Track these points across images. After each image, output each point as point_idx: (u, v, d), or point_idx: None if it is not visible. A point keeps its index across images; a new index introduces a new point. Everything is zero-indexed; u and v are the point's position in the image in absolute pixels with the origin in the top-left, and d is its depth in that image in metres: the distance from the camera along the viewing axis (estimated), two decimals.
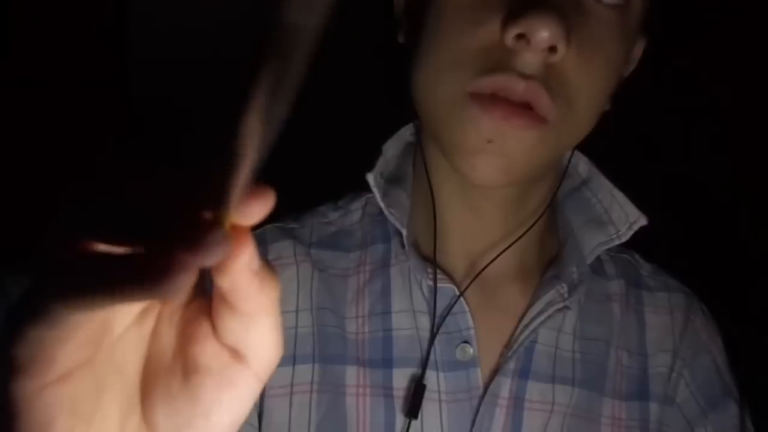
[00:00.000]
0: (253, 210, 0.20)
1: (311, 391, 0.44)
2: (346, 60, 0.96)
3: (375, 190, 0.45)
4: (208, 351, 0.23)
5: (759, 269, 0.78)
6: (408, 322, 0.45)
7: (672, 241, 0.67)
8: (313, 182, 0.62)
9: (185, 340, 0.23)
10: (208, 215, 0.19)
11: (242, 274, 0.20)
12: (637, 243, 0.49)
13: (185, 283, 0.17)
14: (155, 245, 0.17)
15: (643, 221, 0.47)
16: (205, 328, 0.23)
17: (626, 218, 0.47)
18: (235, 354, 0.23)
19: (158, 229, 0.18)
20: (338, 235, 0.50)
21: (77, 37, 0.97)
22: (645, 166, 0.81)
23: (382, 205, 0.45)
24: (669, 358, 0.49)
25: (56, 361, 0.19)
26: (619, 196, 0.49)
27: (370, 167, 0.47)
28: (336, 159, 0.71)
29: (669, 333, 0.50)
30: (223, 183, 0.18)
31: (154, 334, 0.23)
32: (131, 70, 1.04)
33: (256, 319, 0.22)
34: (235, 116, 0.17)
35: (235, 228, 0.20)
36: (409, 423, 0.43)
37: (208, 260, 0.17)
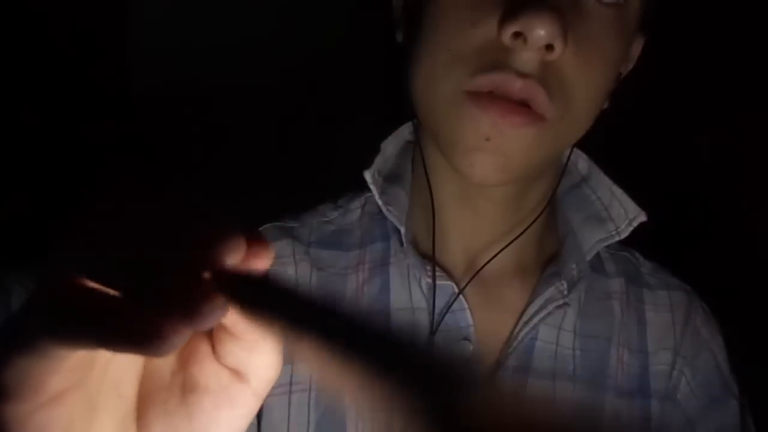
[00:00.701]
0: (254, 266, 0.20)
1: (310, 390, 0.44)
2: (346, 60, 0.96)
3: (372, 187, 0.46)
4: (207, 371, 0.23)
5: (759, 267, 0.78)
6: (407, 319, 0.45)
7: (672, 239, 0.67)
8: (313, 182, 0.62)
9: (184, 359, 0.23)
10: (207, 275, 0.18)
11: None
12: (637, 241, 0.49)
13: (176, 343, 0.17)
14: (152, 299, 0.17)
15: (642, 217, 0.47)
16: (204, 348, 0.23)
17: (626, 215, 0.48)
18: (236, 374, 0.23)
19: (158, 282, 0.18)
20: (337, 234, 0.50)
21: (77, 35, 0.97)
22: (645, 163, 0.81)
23: (380, 202, 0.46)
24: (670, 356, 0.49)
25: (46, 386, 0.19)
26: (619, 192, 0.49)
27: (369, 166, 0.47)
28: (336, 159, 0.71)
29: (670, 331, 0.49)
30: (224, 235, 0.18)
31: None
32: (131, 68, 1.04)
33: (257, 343, 0.22)
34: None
35: None
36: None
37: (203, 327, 0.17)
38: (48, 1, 0.93)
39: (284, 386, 0.44)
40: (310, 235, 0.50)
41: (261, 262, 0.20)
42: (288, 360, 0.44)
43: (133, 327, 0.17)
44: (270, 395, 0.44)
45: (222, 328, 0.22)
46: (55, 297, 0.19)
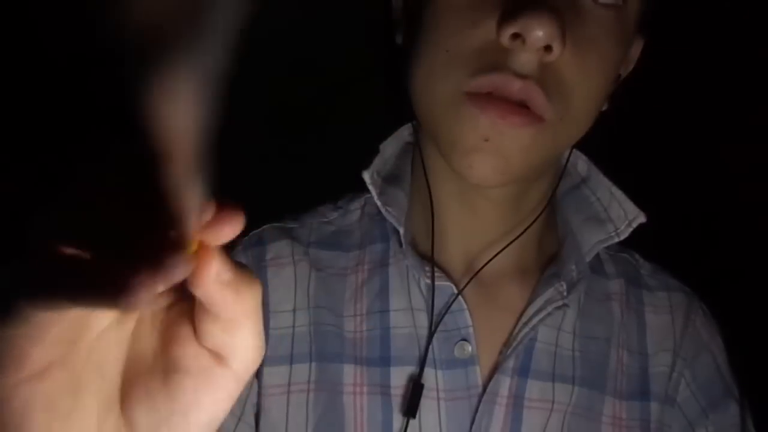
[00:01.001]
0: (221, 230, 0.20)
1: (308, 390, 0.44)
2: (346, 60, 0.96)
3: (371, 187, 0.46)
4: (188, 353, 0.23)
5: (759, 268, 0.78)
6: (406, 320, 0.45)
7: (672, 241, 0.67)
8: (312, 182, 0.62)
9: (167, 341, 0.24)
10: (173, 234, 0.19)
11: (214, 287, 0.21)
12: (637, 242, 0.49)
13: (145, 298, 0.17)
14: (121, 258, 0.18)
15: (641, 219, 0.47)
16: (186, 330, 0.23)
17: (625, 216, 0.48)
18: (216, 356, 0.23)
19: (126, 243, 0.18)
20: (337, 235, 0.50)
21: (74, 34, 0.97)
22: (644, 165, 0.81)
23: (378, 203, 0.46)
24: (669, 358, 0.49)
25: (29, 358, 0.19)
26: (618, 194, 0.49)
27: (368, 167, 0.47)
28: (335, 159, 0.71)
29: (669, 332, 0.49)
30: (188, 198, 0.19)
31: (136, 334, 0.24)
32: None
33: (236, 324, 0.22)
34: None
35: (203, 245, 0.20)
36: (407, 422, 0.43)
37: (167, 281, 0.18)
38: (48, 2, 0.93)
39: (282, 387, 0.44)
40: (309, 235, 0.50)
41: (230, 227, 0.20)
42: (286, 360, 0.45)
43: (103, 283, 0.18)
44: (268, 395, 0.45)
45: (201, 308, 0.22)
46: (28, 262, 0.19)
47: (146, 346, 0.24)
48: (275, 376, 0.45)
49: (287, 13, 1.02)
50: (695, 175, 0.87)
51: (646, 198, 0.49)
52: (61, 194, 0.20)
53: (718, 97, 0.84)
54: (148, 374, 0.23)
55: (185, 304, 0.24)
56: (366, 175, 0.46)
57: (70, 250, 0.19)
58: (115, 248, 0.18)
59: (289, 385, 0.44)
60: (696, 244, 0.82)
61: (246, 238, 0.50)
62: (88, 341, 0.21)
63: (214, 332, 0.23)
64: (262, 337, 0.23)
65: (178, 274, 0.18)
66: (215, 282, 0.21)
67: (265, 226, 0.51)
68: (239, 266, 0.22)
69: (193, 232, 0.20)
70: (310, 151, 0.92)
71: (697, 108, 0.87)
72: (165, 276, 0.18)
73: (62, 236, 0.19)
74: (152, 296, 0.18)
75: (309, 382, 0.44)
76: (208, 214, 0.20)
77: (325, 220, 0.51)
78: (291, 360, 0.45)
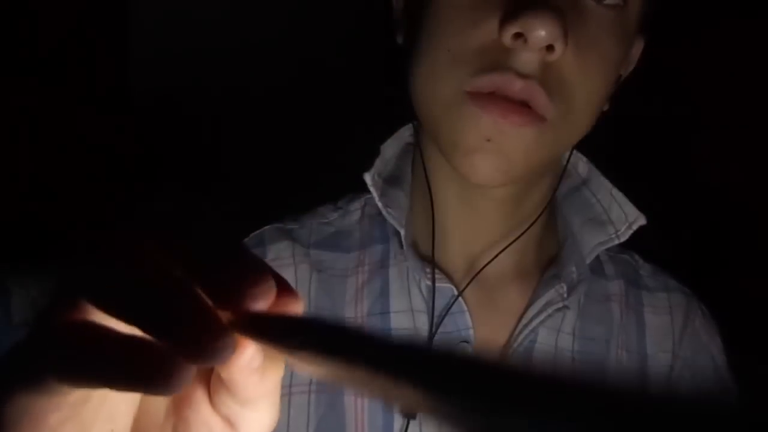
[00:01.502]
0: (259, 307, 0.19)
1: (309, 392, 0.44)
2: (346, 61, 0.96)
3: (372, 189, 0.46)
4: (201, 417, 0.23)
5: (759, 269, 0.78)
6: (407, 322, 0.45)
7: (672, 241, 0.67)
8: (312, 183, 0.62)
9: (180, 401, 0.23)
10: (218, 311, 0.18)
11: (243, 370, 0.20)
12: (637, 243, 0.49)
13: (182, 383, 0.17)
14: (160, 333, 0.17)
15: (642, 221, 0.47)
16: (200, 393, 0.23)
17: (625, 218, 0.48)
18: (228, 424, 0.23)
19: (166, 314, 0.17)
20: (337, 236, 0.50)
21: (79, 38, 0.97)
22: (644, 165, 0.81)
23: (379, 204, 0.45)
24: (669, 359, 0.49)
25: (46, 422, 0.19)
26: (619, 196, 0.49)
27: (369, 168, 0.47)
28: (335, 160, 0.71)
29: (669, 333, 0.49)
30: (236, 271, 0.17)
31: None
32: (132, 72, 1.04)
33: (255, 401, 0.22)
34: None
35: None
36: (408, 423, 0.43)
37: (211, 364, 0.17)
38: (48, 4, 0.93)
39: (284, 388, 0.44)
40: (309, 236, 0.50)
41: (288, 311, 0.19)
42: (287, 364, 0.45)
43: (141, 368, 0.17)
44: None
45: (220, 380, 0.21)
46: (62, 335, 0.18)
47: (159, 403, 0.23)
48: None
49: (288, 13, 1.02)
50: (695, 176, 0.87)
51: (647, 199, 0.49)
52: (105, 236, 0.18)
53: (717, 98, 0.84)
54: (159, 427, 0.23)
55: (203, 368, 0.23)
56: (367, 177, 0.46)
57: (103, 321, 0.18)
58: (156, 317, 0.17)
59: (290, 386, 0.44)
60: (696, 244, 0.82)
61: (246, 239, 0.50)
62: (100, 396, 0.21)
63: (229, 403, 0.22)
64: (277, 410, 0.23)
65: (225, 359, 0.17)
66: (246, 367, 0.20)
67: (265, 227, 0.51)
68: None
69: (236, 310, 0.18)
70: (310, 151, 0.92)
71: (696, 109, 0.87)
72: (207, 360, 0.17)
73: (96, 295, 0.18)
74: (188, 379, 0.17)
75: (310, 383, 0.44)
76: (267, 294, 0.18)
77: (325, 221, 0.51)
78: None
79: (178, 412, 0.23)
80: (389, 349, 0.16)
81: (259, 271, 0.18)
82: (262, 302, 0.18)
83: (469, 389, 0.14)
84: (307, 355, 0.17)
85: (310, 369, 0.17)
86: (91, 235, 0.19)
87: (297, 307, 0.19)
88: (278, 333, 0.17)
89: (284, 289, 0.19)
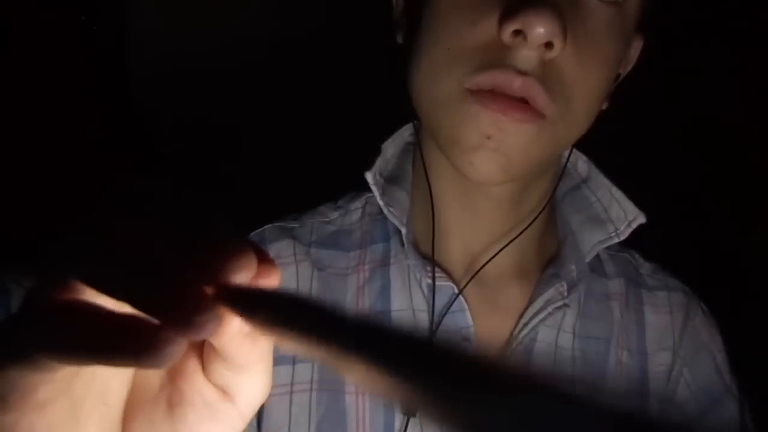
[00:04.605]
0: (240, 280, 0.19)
1: (311, 390, 0.44)
2: (347, 60, 0.96)
3: (374, 188, 0.46)
4: (195, 387, 0.23)
5: (759, 268, 0.78)
6: (407, 320, 0.45)
7: (672, 241, 0.67)
8: (313, 182, 0.62)
9: (173, 372, 0.23)
10: (204, 286, 0.18)
11: (234, 338, 0.20)
12: (638, 242, 0.49)
13: (170, 355, 0.17)
14: (147, 308, 0.17)
15: (641, 219, 0.47)
16: (194, 363, 0.23)
17: (625, 216, 0.48)
18: (223, 393, 0.23)
19: (153, 290, 0.17)
20: (338, 235, 0.50)
21: (75, 45, 0.97)
22: (644, 165, 0.81)
23: (381, 203, 0.46)
24: (669, 357, 0.49)
25: (35, 395, 0.19)
26: (618, 194, 0.49)
27: (369, 166, 0.47)
28: (336, 159, 0.71)
29: (669, 332, 0.50)
30: (226, 246, 0.18)
31: None
32: (132, 78, 1.04)
33: (247, 367, 0.22)
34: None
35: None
36: (408, 421, 0.43)
37: (198, 337, 0.17)
38: (49, 7, 0.93)
39: (285, 386, 0.44)
40: (310, 235, 0.50)
41: (268, 282, 0.19)
42: (289, 360, 0.45)
43: (130, 342, 0.17)
44: (271, 395, 0.44)
45: (212, 348, 0.22)
46: (51, 311, 0.18)
47: (152, 376, 0.24)
48: (278, 376, 0.45)
49: (288, 13, 1.02)
50: (695, 176, 0.87)
51: (646, 198, 0.49)
52: (90, 219, 0.19)
53: (717, 98, 0.85)
54: (152, 404, 0.23)
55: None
56: (369, 176, 0.46)
57: (91, 297, 0.18)
58: (143, 292, 0.17)
59: (291, 385, 0.44)
60: (695, 244, 0.82)
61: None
62: (91, 370, 0.21)
63: (222, 371, 0.22)
64: (271, 375, 0.23)
65: (211, 331, 0.17)
66: (236, 333, 0.20)
67: (266, 226, 0.51)
68: None
69: (221, 281, 0.18)
70: (311, 151, 0.92)
71: (695, 108, 0.87)
72: (194, 333, 0.17)
73: (84, 273, 0.18)
74: (177, 353, 0.17)
75: (311, 381, 0.44)
76: (248, 266, 0.18)
77: (326, 219, 0.51)
78: (293, 360, 0.45)
79: (172, 383, 0.23)
80: (359, 330, 0.16)
81: (239, 245, 0.18)
82: (244, 275, 0.18)
83: (409, 366, 0.14)
84: (279, 329, 0.17)
85: (287, 344, 0.17)
86: (81, 217, 0.19)
87: (275, 279, 0.20)
88: (254, 306, 0.18)
89: (264, 261, 0.19)
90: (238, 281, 0.18)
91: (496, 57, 0.36)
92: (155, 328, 0.17)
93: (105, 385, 0.22)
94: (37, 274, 0.19)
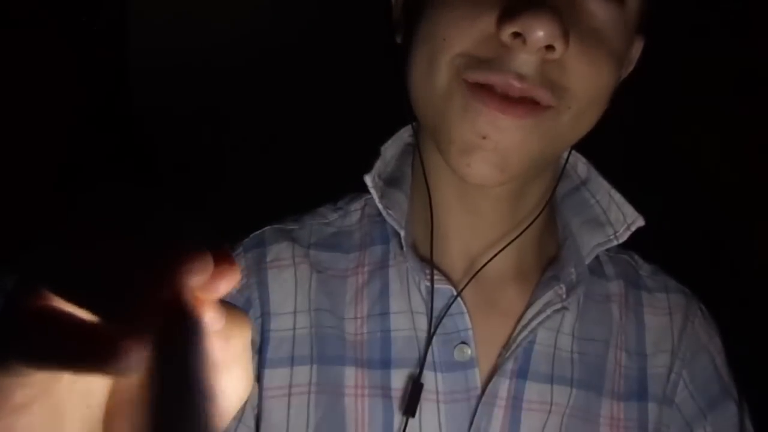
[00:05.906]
0: (219, 286, 0.20)
1: (309, 392, 0.44)
2: (347, 61, 0.96)
3: (373, 191, 0.46)
4: None
5: (758, 269, 0.78)
6: (406, 323, 0.45)
7: (672, 242, 0.67)
8: (312, 183, 0.62)
9: None
10: (167, 289, 0.19)
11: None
12: (637, 243, 0.49)
13: (138, 362, 0.17)
14: (116, 318, 0.18)
15: (640, 222, 0.47)
16: None
17: (624, 219, 0.47)
18: None
19: (120, 300, 0.18)
20: (337, 237, 0.50)
21: (77, 42, 0.97)
22: (643, 167, 0.81)
23: (380, 206, 0.45)
24: (668, 359, 0.49)
25: (12, 398, 0.19)
26: (617, 197, 0.49)
27: (369, 168, 0.47)
28: (335, 160, 0.71)
29: (668, 333, 0.50)
30: (190, 254, 0.19)
31: None
32: (132, 78, 1.04)
33: (224, 367, 0.22)
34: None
35: (195, 296, 0.20)
36: (407, 421, 0.43)
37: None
38: (49, 11, 0.93)
39: (283, 389, 0.45)
40: (309, 237, 0.50)
41: (226, 283, 0.20)
42: (287, 362, 0.45)
43: (98, 350, 0.17)
44: (269, 397, 0.45)
45: None
46: (24, 319, 0.19)
47: (131, 378, 0.24)
48: (276, 378, 0.45)
49: (288, 14, 1.02)
50: (694, 178, 0.87)
51: (645, 200, 0.49)
52: (57, 234, 0.20)
53: (717, 98, 0.84)
54: (132, 404, 0.23)
55: None
56: (368, 179, 0.46)
57: (62, 306, 0.19)
58: (109, 305, 0.18)
59: (290, 387, 0.44)
60: (695, 245, 0.82)
61: (246, 239, 0.50)
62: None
63: None
64: (251, 374, 0.23)
65: (174, 336, 0.18)
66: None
67: (265, 228, 0.51)
68: (229, 309, 0.22)
69: (187, 286, 0.19)
70: (311, 152, 0.92)
71: (696, 111, 0.87)
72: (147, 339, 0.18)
73: (54, 284, 0.19)
74: (142, 359, 0.18)
75: (310, 384, 0.44)
76: (203, 268, 0.19)
77: (325, 221, 0.51)
78: (292, 362, 0.45)
79: None
80: None
81: (193, 248, 0.19)
82: (198, 277, 0.19)
83: None
84: None
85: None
86: (53, 228, 0.20)
87: (234, 278, 0.20)
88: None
89: (223, 263, 0.20)
90: (191, 284, 0.19)
91: (495, 56, 0.36)
92: (119, 337, 0.17)
93: (89, 386, 0.22)
94: (11, 283, 0.20)
